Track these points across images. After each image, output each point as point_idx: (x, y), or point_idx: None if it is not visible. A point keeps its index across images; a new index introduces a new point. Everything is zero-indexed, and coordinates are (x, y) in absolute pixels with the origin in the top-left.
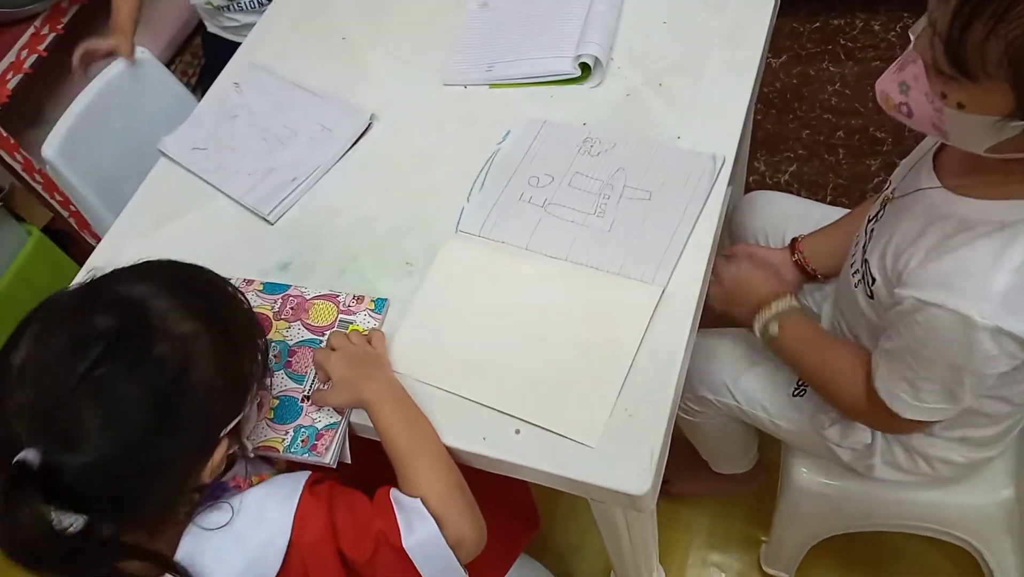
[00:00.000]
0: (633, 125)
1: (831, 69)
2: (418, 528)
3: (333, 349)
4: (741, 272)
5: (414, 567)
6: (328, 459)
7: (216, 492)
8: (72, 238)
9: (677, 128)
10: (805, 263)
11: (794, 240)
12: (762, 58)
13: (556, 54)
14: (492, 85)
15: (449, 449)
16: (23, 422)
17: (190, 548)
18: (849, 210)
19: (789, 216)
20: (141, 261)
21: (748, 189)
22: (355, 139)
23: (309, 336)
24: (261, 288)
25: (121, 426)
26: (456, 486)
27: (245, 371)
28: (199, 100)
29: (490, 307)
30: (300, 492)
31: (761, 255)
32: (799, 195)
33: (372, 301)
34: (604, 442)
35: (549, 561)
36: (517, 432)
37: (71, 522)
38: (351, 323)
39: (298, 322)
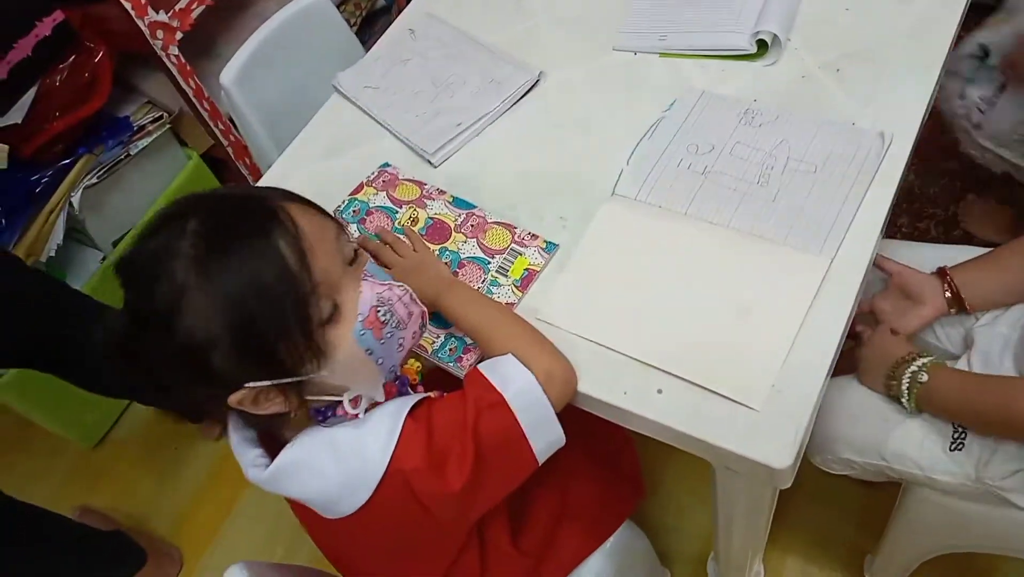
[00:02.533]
0: (806, 107)
1: None
2: (512, 378)
3: (387, 267)
4: (871, 344)
5: (515, 419)
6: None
7: (322, 412)
8: (227, 166)
9: (852, 115)
10: (958, 291)
11: (943, 269)
12: (947, 57)
13: (733, 29)
14: (662, 54)
15: (589, 399)
16: None
17: (296, 452)
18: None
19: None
20: (247, 189)
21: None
22: (522, 94)
23: (480, 255)
24: (451, 200)
25: (128, 312)
26: (530, 330)
27: (270, 344)
28: (363, 46)
29: (647, 268)
30: (403, 420)
31: (912, 282)
32: (948, 210)
33: (544, 241)
34: (749, 412)
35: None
36: (659, 392)
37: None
38: (520, 254)
39: (474, 240)
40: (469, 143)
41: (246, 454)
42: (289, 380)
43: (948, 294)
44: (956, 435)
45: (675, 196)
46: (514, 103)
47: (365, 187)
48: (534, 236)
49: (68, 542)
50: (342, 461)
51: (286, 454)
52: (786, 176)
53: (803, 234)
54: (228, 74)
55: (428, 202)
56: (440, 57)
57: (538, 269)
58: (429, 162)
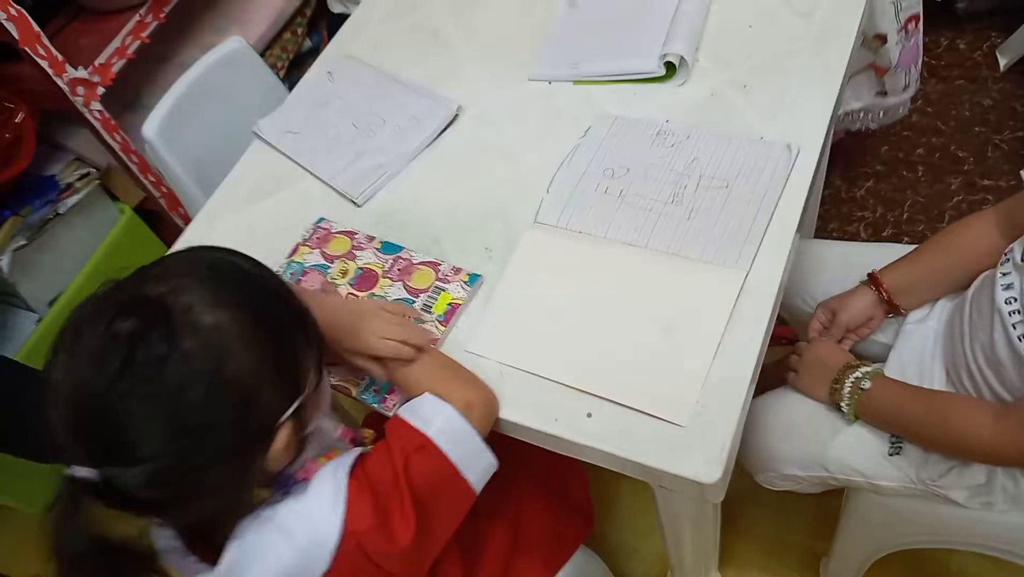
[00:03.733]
0: (716, 124)
1: None
2: (432, 417)
3: None
4: (812, 351)
5: (444, 456)
6: (392, 413)
7: (284, 483)
8: (161, 218)
9: (760, 129)
10: (891, 299)
11: (872, 276)
12: (848, 66)
13: (642, 53)
14: (576, 82)
15: (520, 428)
16: (69, 437)
17: (243, 544)
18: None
19: (848, 265)
20: (171, 253)
21: (823, 202)
22: (441, 129)
23: (405, 296)
24: (379, 247)
25: (162, 431)
26: (445, 363)
27: (293, 356)
28: (289, 90)
29: (570, 293)
30: (345, 482)
31: (845, 306)
32: (875, 211)
33: (467, 274)
34: (677, 430)
35: (604, 561)
36: (589, 415)
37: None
38: (443, 290)
39: (400, 282)
40: (392, 180)
41: (181, 563)
42: (302, 398)
43: (882, 298)
44: (893, 440)
45: (594, 220)
46: (434, 138)
47: (300, 247)
48: (457, 270)
49: None
50: (293, 537)
51: (233, 549)
52: (699, 194)
53: (718, 249)
54: (150, 126)
55: (358, 253)
56: (359, 98)
57: (461, 302)
58: (353, 202)
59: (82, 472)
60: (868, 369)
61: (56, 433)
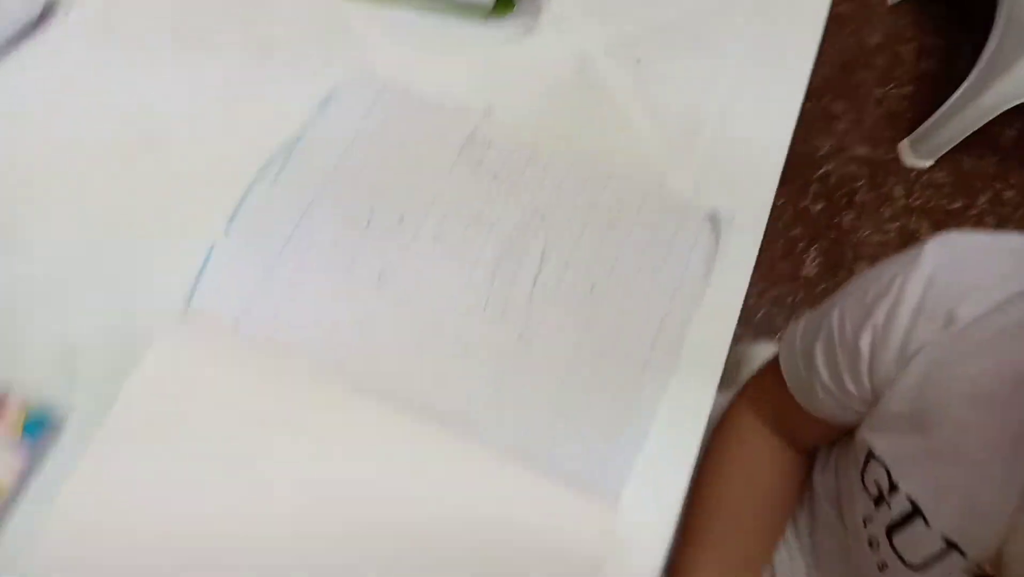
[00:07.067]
0: (578, 136)
1: None
2: None
3: None
4: None
5: None
6: None
7: None
8: None
9: (661, 157)
10: None
11: None
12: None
13: None
14: None
15: None
16: None
17: None
18: None
19: None
20: None
21: None
22: (16, 39)
23: None
24: None
25: None
26: None
27: None
28: None
29: (259, 487)
30: None
31: None
32: None
33: (23, 411)
34: None
35: None
36: None
37: None
38: None
39: None
40: None
41: None
42: None
43: None
44: None
45: (315, 328)
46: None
47: None
48: None
49: None
50: None
51: None
52: (538, 299)
53: (560, 451)
54: None
55: None
56: None
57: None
58: None
59: None
60: None
61: None
